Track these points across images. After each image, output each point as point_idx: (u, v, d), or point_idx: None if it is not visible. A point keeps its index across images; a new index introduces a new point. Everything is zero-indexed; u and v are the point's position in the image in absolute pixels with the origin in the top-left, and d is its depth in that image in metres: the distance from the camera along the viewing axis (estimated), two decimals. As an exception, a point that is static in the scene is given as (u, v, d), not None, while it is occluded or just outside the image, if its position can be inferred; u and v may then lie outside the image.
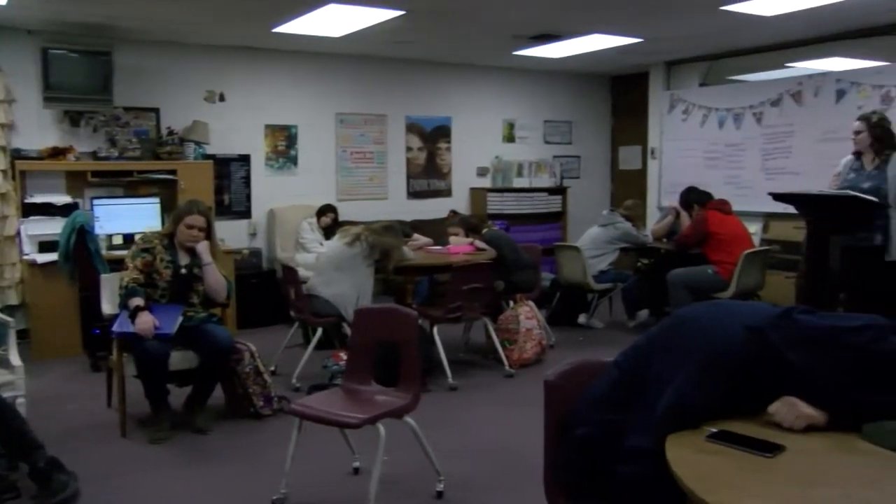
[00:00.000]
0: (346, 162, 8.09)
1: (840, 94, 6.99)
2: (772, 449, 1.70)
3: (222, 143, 7.24)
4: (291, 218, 7.35)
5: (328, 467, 3.71)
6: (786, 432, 1.79)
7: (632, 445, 1.84)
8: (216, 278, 4.32)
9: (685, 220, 6.74)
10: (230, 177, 7.41)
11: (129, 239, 5.86)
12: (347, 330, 4.80)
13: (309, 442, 3.48)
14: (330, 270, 5.16)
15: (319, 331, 5.23)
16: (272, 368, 5.20)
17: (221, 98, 7.31)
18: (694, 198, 6.72)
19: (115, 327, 4.06)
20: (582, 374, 2.20)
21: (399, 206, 8.26)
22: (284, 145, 7.71)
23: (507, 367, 5.42)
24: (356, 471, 3.64)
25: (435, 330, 5.19)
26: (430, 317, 5.25)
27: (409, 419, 3.24)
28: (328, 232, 6.85)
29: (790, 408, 1.82)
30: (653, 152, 8.87)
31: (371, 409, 3.17)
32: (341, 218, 7.12)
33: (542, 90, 9.35)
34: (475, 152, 8.91)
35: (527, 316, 5.67)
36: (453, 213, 7.81)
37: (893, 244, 4.93)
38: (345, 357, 4.21)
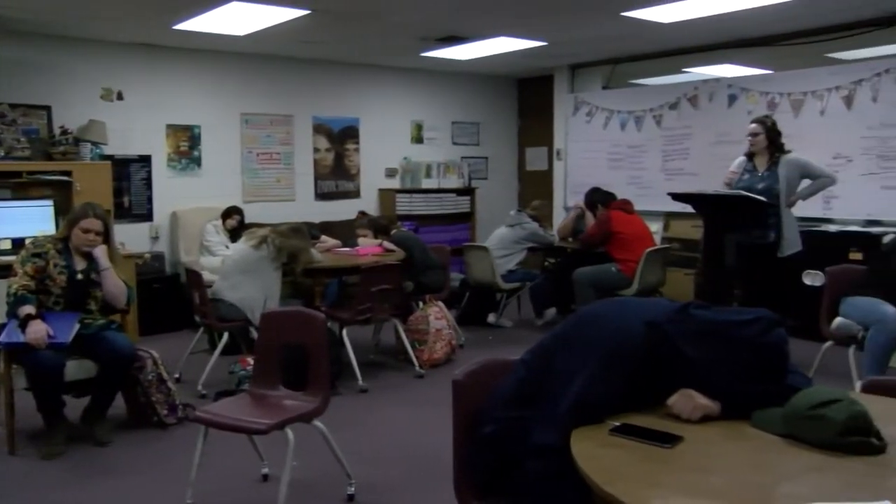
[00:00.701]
0: (252, 163, 7.93)
1: (731, 99, 7.33)
2: (671, 440, 1.76)
3: (121, 144, 6.96)
4: (195, 220, 7.15)
5: (236, 475, 3.63)
6: (684, 423, 1.86)
7: (538, 442, 1.87)
8: (115, 283, 4.16)
9: (590, 219, 6.93)
10: (130, 178, 7.14)
11: (18, 243, 5.57)
12: (255, 334, 4.71)
13: (216, 450, 3.40)
14: (236, 274, 5.06)
15: (225, 336, 5.11)
16: (176, 376, 5.06)
17: (119, 96, 7.04)
18: (598, 198, 6.92)
19: (3, 338, 3.84)
20: (490, 372, 2.23)
21: (307, 208, 8.16)
22: (187, 146, 7.49)
23: (417, 368, 5.43)
24: (265, 477, 3.58)
25: (344, 332, 5.16)
26: (339, 319, 5.21)
27: (318, 423, 3.21)
28: (234, 234, 6.72)
29: (687, 399, 1.90)
30: (558, 153, 9.07)
31: (279, 413, 3.12)
32: (247, 220, 7.00)
33: (450, 92, 9.42)
34: (383, 153, 8.89)
35: (436, 316, 5.70)
36: (362, 213, 7.77)
37: (785, 241, 5.22)
38: (252, 362, 4.12)
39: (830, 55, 7.13)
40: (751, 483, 1.56)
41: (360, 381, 5.06)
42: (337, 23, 6.27)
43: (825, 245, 5.90)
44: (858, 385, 4.22)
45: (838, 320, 4.45)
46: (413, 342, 5.57)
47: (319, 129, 8.40)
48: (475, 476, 2.11)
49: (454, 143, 9.55)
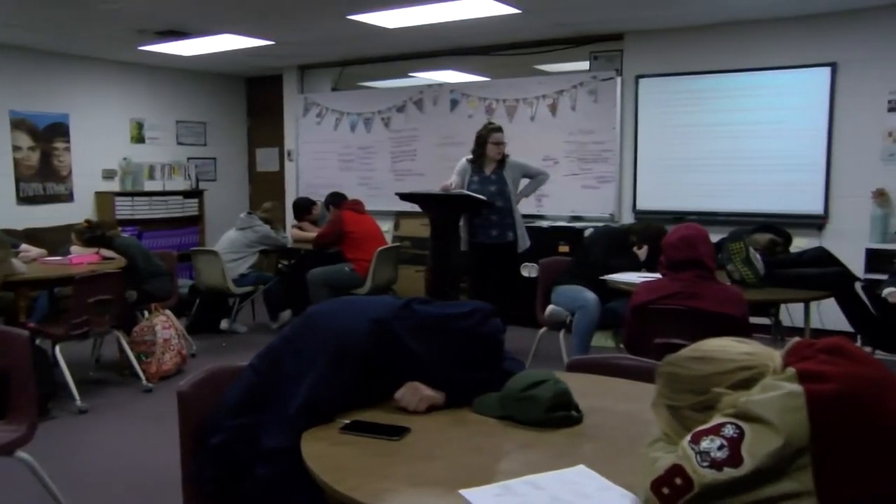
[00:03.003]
0: (-64, 163, 6.92)
1: (454, 104, 7.77)
2: (398, 432, 1.82)
3: None
4: None
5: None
6: (412, 415, 1.94)
7: (267, 446, 1.84)
8: None
9: (307, 227, 7.07)
10: None
11: None
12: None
13: None
14: (-84, 291, 4.39)
15: None
16: None
17: None
18: (329, 199, 7.01)
19: None
20: (218, 380, 2.15)
21: (7, 214, 7.28)
22: None
23: (144, 382, 5.10)
24: (-41, 522, 3.15)
25: (57, 349, 4.69)
26: (50, 335, 4.73)
27: (22, 453, 2.87)
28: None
29: (413, 392, 1.97)
30: (289, 154, 9.00)
31: (-27, 447, 2.76)
32: (-69, 228, 6.09)
33: (174, 89, 8.94)
34: (100, 153, 8.20)
35: (164, 326, 5.40)
36: (87, 222, 7.10)
37: (520, 238, 5.64)
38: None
39: (538, 66, 7.86)
40: (471, 464, 1.66)
41: (79, 402, 4.64)
42: (31, 5, 5.66)
43: (539, 239, 6.47)
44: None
45: (550, 308, 4.89)
46: (139, 355, 5.22)
47: (20, 124, 7.53)
48: (204, 488, 2.02)
49: (179, 143, 9.08)
